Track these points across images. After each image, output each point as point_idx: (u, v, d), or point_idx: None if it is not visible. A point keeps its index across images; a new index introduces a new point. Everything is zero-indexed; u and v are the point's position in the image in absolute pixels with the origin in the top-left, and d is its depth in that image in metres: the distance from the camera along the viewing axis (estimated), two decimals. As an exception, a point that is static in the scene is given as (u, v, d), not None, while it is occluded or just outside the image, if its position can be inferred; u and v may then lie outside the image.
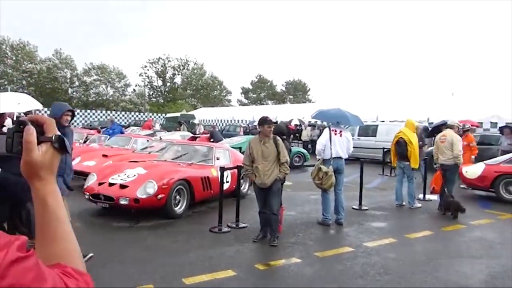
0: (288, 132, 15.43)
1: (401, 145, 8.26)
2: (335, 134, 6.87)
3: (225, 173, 7.78)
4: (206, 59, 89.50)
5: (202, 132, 23.68)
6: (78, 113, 35.19)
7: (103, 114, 35.22)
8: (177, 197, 6.76)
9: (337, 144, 6.83)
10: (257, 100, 64.94)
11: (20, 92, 43.16)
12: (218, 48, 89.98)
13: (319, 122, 20.31)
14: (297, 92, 66.90)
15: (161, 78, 56.78)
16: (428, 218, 7.57)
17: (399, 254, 5.36)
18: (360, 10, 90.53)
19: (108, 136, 13.51)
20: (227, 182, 7.93)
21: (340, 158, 6.86)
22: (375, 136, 17.19)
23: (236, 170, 8.10)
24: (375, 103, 24.32)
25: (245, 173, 6.06)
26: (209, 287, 4.08)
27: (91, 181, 6.78)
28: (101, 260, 4.65)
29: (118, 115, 37.30)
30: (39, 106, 7.55)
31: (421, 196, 9.12)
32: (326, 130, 7.00)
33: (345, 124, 7.14)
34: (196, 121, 27.93)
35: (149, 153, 9.77)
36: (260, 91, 67.42)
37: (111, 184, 6.54)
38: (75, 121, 33.75)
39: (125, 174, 6.77)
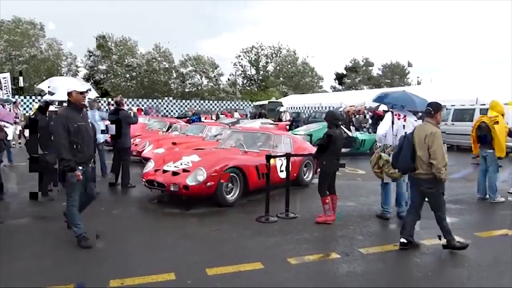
0: (350, 119, 14.55)
1: (482, 130, 7.25)
2: (399, 119, 6.22)
3: (283, 162, 7.54)
4: (298, 46, 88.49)
5: (288, 119, 23.62)
6: (174, 103, 37.50)
7: (197, 104, 36.92)
8: (229, 185, 6.72)
9: (401, 130, 6.17)
10: (352, 86, 62.76)
11: (124, 85, 47.43)
12: (310, 33, 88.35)
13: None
14: (394, 75, 63.24)
15: (254, 67, 57.74)
16: (514, 215, 6.53)
17: (460, 255, 4.65)
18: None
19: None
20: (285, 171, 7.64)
21: (404, 145, 6.19)
22: (472, 121, 15.39)
23: (299, 158, 7.85)
24: (474, 84, 21.80)
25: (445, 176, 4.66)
26: (230, 278, 3.94)
27: (149, 168, 7.04)
28: (135, 246, 4.80)
29: (211, 104, 38.86)
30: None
31: (512, 189, 7.94)
32: (388, 115, 6.37)
33: (411, 108, 6.41)
34: (282, 109, 27.94)
35: (217, 140, 9.92)
36: (355, 76, 65.05)
37: (165, 171, 6.72)
38: (172, 111, 36.00)
39: (180, 161, 6.92)
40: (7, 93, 24.03)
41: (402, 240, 4.80)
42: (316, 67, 60.17)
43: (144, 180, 6.83)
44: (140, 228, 5.54)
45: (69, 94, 4.63)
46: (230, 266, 4.20)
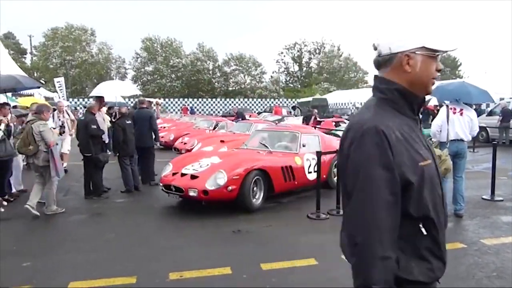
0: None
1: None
2: (454, 113, 5.97)
3: (309, 163, 7.12)
4: (343, 40, 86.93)
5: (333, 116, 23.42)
6: (218, 102, 38.05)
7: (241, 102, 37.26)
8: (255, 188, 6.10)
9: (457, 125, 5.92)
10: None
11: (169, 85, 48.70)
12: (356, 27, 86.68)
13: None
14: (445, 68, 60.68)
15: (297, 63, 57.36)
16: None
17: (525, 255, 4.42)
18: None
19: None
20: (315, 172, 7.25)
21: (461, 140, 5.94)
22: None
23: (328, 158, 7.35)
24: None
25: None
26: (284, 274, 3.97)
27: (166, 171, 6.49)
28: (190, 241, 4.95)
29: (254, 102, 39.05)
30: (137, 91, 8.64)
31: None
32: (443, 109, 6.13)
33: (466, 101, 6.14)
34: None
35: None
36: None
37: (183, 175, 6.16)
38: (217, 110, 36.55)
39: (199, 163, 6.36)
40: (63, 96, 25.35)
41: None
42: (360, 62, 58.97)
43: (161, 184, 6.38)
44: (192, 225, 5.65)
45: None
46: (284, 262, 4.23)
